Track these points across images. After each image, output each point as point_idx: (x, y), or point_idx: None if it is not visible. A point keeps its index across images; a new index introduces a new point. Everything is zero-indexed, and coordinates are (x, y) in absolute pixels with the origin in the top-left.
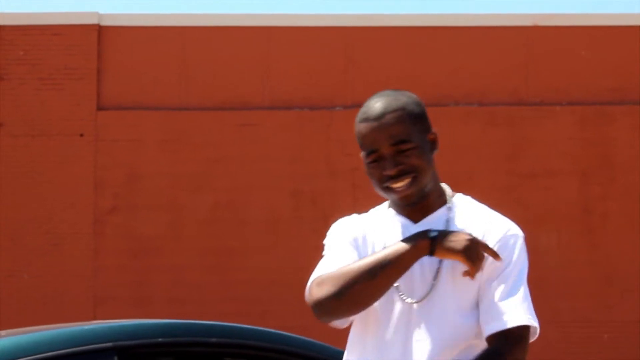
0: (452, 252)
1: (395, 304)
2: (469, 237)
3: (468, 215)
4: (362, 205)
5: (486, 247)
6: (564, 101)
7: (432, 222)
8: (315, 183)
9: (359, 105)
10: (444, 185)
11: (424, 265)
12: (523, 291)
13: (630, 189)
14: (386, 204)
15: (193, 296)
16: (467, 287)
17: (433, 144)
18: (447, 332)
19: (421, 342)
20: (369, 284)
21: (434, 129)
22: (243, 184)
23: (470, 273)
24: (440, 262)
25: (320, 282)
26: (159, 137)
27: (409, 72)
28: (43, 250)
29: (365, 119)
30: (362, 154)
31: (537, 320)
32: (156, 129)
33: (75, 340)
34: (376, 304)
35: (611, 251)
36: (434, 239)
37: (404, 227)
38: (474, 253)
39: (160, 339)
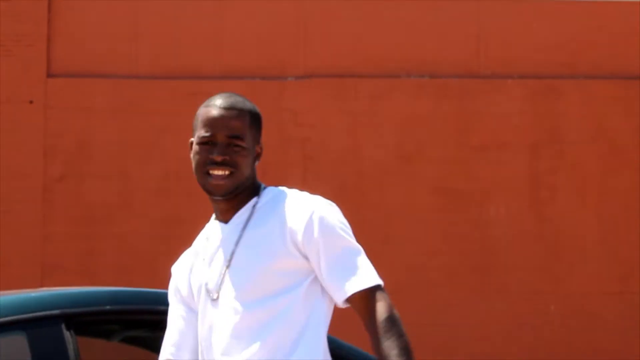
0: None
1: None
2: None
3: (269, 208)
4: (312, 176)
5: None
6: (514, 74)
7: (237, 220)
8: (265, 153)
9: (311, 75)
10: (261, 185)
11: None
12: (359, 258)
13: (579, 163)
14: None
15: (142, 265)
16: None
17: (258, 155)
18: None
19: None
20: None
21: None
22: None
23: None
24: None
25: None
26: (109, 105)
27: (361, 43)
28: None
29: (213, 105)
30: (192, 138)
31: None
32: (107, 97)
33: (22, 307)
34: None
35: (559, 224)
36: None
37: (220, 229)
38: None
39: (108, 307)
